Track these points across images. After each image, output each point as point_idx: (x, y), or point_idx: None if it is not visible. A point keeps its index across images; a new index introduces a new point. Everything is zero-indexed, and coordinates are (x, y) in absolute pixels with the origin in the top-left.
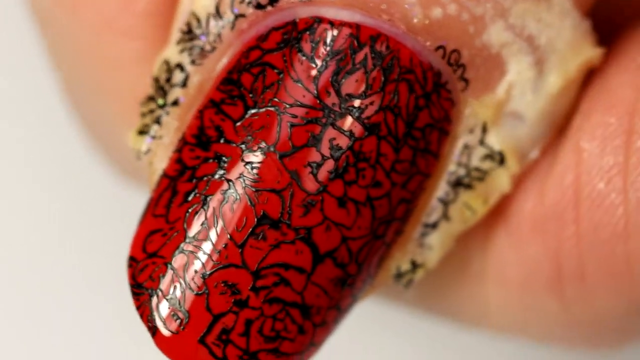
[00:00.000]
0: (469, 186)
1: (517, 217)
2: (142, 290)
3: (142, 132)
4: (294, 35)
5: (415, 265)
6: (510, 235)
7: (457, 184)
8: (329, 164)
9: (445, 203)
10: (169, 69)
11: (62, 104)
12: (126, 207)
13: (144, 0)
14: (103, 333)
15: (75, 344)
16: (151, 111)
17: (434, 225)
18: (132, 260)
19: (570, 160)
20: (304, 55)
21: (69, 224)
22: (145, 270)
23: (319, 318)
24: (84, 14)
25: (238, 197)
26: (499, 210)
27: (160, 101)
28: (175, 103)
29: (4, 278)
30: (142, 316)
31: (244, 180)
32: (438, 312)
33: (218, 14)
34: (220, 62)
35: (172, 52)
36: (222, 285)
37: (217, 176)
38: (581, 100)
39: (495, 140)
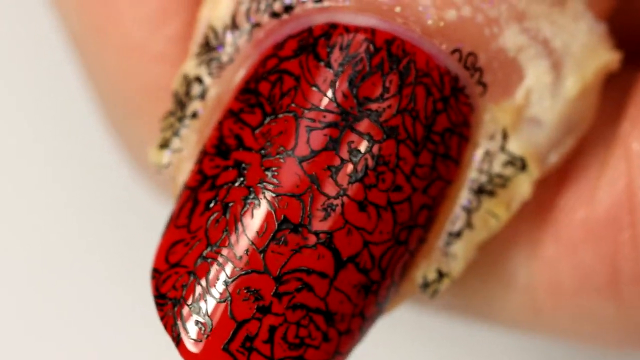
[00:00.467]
0: (491, 193)
1: (568, 225)
2: (165, 300)
3: (163, 146)
4: (310, 42)
5: (441, 275)
6: (560, 244)
7: (480, 191)
8: (348, 168)
9: (469, 211)
10: (188, 82)
11: (94, 114)
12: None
13: (174, 25)
14: (127, 344)
15: (96, 352)
16: (171, 125)
17: (458, 234)
18: (156, 272)
19: (622, 166)
20: (320, 61)
21: (97, 239)
22: (168, 280)
23: (344, 325)
24: (113, 38)
25: (258, 202)
26: (546, 220)
27: (179, 114)
28: (194, 116)
29: (27, 283)
30: (165, 326)
31: (263, 186)
32: (483, 321)
33: (234, 25)
34: (238, 74)
35: (191, 66)
36: (245, 291)
37: (237, 183)
38: (628, 106)
39: (515, 146)
